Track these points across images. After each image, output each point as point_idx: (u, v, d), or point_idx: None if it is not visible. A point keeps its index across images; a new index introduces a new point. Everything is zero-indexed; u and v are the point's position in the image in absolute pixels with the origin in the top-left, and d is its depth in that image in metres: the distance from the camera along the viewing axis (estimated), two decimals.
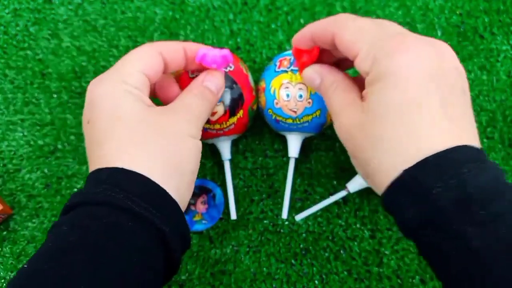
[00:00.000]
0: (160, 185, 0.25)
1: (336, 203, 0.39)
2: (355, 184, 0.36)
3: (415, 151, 0.22)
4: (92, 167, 0.26)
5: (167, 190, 0.25)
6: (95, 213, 0.23)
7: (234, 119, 0.34)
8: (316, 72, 0.29)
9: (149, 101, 0.28)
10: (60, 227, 0.23)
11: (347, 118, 0.26)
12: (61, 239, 0.22)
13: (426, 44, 0.23)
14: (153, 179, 0.25)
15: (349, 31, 0.25)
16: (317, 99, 0.33)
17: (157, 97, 0.32)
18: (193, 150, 0.28)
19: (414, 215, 0.22)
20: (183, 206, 0.27)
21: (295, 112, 0.34)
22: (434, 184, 0.21)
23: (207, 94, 0.30)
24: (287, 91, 0.33)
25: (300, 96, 0.33)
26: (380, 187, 0.24)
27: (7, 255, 0.38)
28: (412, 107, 0.22)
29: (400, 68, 0.23)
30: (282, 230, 0.39)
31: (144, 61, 0.28)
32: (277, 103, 0.34)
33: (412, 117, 0.22)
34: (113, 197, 0.23)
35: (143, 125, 0.26)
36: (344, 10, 0.44)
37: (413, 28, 0.43)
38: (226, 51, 0.30)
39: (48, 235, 0.23)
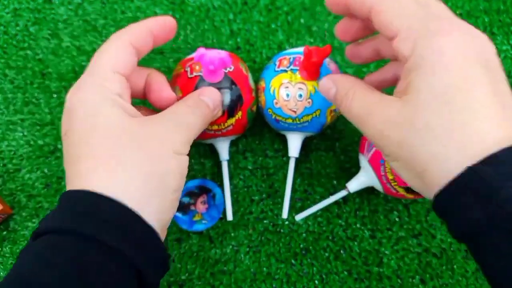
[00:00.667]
0: (137, 206, 0.23)
1: (336, 203, 0.39)
2: (355, 184, 0.36)
3: (475, 142, 0.20)
4: (68, 184, 0.24)
5: (145, 212, 0.23)
6: (59, 245, 0.21)
7: (232, 120, 0.34)
8: (330, 80, 0.28)
9: (132, 109, 0.26)
10: (27, 255, 0.21)
11: (380, 116, 0.23)
12: (25, 270, 0.21)
13: (468, 28, 0.22)
14: (127, 203, 0.22)
15: (389, 7, 0.23)
16: (317, 99, 0.33)
17: (147, 100, 0.31)
18: (178, 166, 0.25)
19: (479, 217, 0.20)
20: (164, 225, 0.25)
21: (294, 112, 0.34)
22: (503, 184, 0.19)
23: (203, 107, 0.29)
24: (286, 91, 0.33)
25: (300, 95, 0.33)
26: (435, 183, 0.21)
27: (7, 255, 0.38)
28: (462, 92, 0.20)
29: (444, 51, 0.21)
30: (282, 230, 0.39)
31: (117, 58, 0.26)
32: (276, 103, 0.34)
33: (464, 103, 0.20)
34: (81, 225, 0.21)
35: (123, 138, 0.24)
36: None
37: None
38: (224, 54, 0.30)
39: (16, 262, 0.22)
